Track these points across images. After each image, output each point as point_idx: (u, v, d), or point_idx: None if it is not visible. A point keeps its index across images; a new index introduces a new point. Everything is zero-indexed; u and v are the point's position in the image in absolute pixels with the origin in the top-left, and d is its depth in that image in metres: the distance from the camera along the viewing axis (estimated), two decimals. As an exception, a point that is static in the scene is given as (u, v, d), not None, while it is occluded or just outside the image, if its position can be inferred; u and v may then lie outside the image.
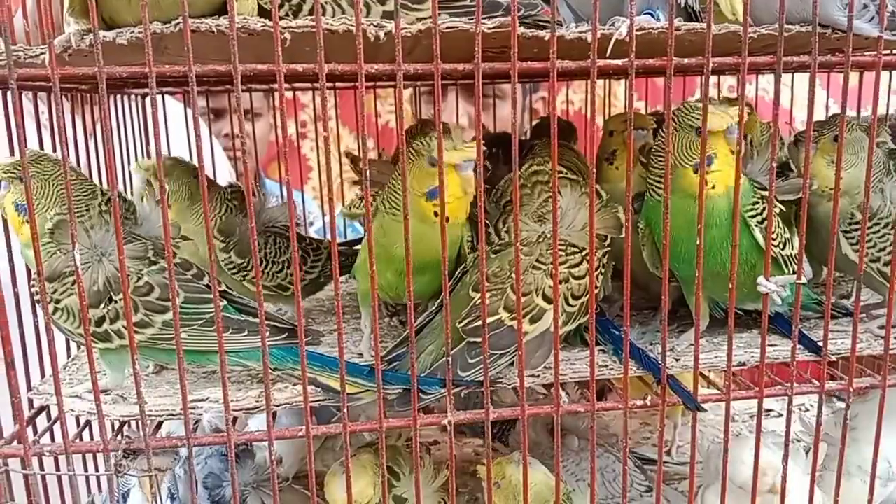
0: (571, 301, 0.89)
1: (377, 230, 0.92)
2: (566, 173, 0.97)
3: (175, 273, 0.81)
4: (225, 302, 0.88)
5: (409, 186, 0.82)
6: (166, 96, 1.64)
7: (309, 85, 1.52)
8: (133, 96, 1.40)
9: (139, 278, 0.84)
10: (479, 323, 0.82)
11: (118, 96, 1.35)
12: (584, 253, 0.90)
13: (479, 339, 0.83)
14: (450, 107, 1.75)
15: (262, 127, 2.11)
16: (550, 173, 0.92)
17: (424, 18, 0.82)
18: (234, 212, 1.13)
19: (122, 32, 0.73)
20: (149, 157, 1.35)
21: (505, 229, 0.92)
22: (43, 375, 0.97)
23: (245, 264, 1.09)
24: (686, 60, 0.78)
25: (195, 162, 1.25)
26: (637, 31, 0.76)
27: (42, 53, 0.74)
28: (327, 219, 1.68)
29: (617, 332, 0.95)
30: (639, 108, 1.76)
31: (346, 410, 0.80)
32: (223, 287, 0.90)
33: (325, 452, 1.28)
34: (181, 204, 1.09)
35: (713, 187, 0.87)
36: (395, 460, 1.01)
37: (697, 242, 0.81)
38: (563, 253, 0.89)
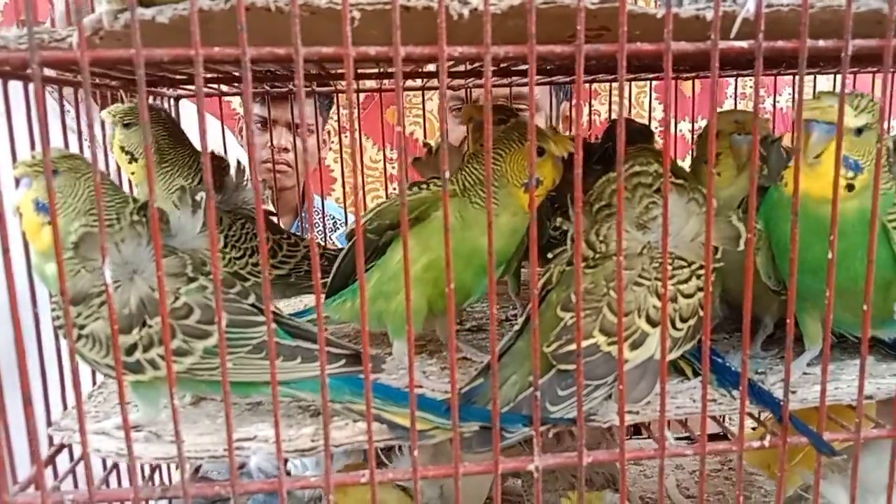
0: (679, 324, 0.77)
1: (454, 222, 0.84)
2: (670, 177, 0.85)
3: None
4: (275, 325, 0.76)
5: (504, 176, 0.86)
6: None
7: (346, 87, 1.41)
8: (165, 99, 1.29)
9: (176, 298, 0.73)
10: (572, 347, 0.71)
11: (149, 98, 1.25)
12: (692, 267, 0.78)
13: (571, 367, 0.71)
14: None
15: (312, 143, 2.01)
16: (654, 175, 0.81)
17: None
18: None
19: (162, 10, 0.62)
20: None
21: (600, 239, 0.80)
22: (65, 407, 0.85)
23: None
24: (821, 43, 0.66)
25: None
26: (765, 7, 0.64)
27: (69, 36, 0.63)
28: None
29: (720, 360, 0.83)
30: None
31: (415, 454, 0.68)
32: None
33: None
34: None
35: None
36: None
37: (829, 255, 0.69)
38: (671, 267, 0.77)
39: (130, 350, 0.71)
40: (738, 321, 0.97)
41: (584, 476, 0.72)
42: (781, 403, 0.73)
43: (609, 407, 0.76)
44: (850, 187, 0.76)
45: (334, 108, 2.30)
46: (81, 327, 0.71)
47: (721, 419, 0.86)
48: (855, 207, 0.76)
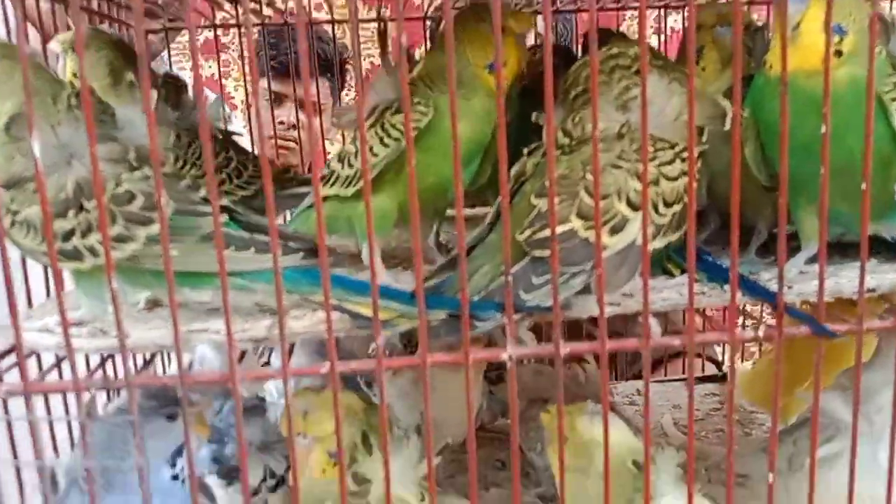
0: (662, 208, 0.71)
1: (428, 112, 0.82)
2: (650, 58, 0.79)
3: (165, 183, 0.65)
4: (226, 216, 0.71)
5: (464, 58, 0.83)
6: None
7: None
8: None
9: (117, 184, 0.68)
10: (547, 234, 0.65)
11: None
12: (676, 149, 0.72)
13: (546, 254, 0.66)
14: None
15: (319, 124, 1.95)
16: (633, 57, 0.76)
17: None
18: (163, 102, 1.01)
19: None
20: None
21: (575, 122, 0.74)
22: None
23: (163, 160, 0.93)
24: None
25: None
26: None
27: None
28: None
29: (710, 259, 0.78)
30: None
31: (380, 343, 0.62)
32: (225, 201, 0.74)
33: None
34: (101, 82, 0.93)
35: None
36: (370, 424, 0.81)
37: (822, 130, 0.63)
38: (652, 148, 0.72)
39: (67, 236, 0.66)
40: (730, 232, 0.92)
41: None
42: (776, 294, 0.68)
43: (589, 300, 0.70)
44: (838, 53, 0.71)
45: (345, 90, 2.24)
46: (15, 213, 0.66)
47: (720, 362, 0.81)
48: (846, 77, 0.70)
